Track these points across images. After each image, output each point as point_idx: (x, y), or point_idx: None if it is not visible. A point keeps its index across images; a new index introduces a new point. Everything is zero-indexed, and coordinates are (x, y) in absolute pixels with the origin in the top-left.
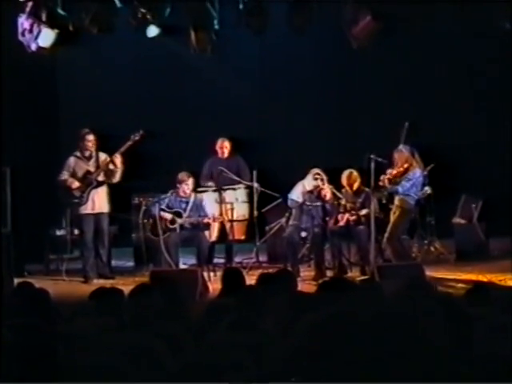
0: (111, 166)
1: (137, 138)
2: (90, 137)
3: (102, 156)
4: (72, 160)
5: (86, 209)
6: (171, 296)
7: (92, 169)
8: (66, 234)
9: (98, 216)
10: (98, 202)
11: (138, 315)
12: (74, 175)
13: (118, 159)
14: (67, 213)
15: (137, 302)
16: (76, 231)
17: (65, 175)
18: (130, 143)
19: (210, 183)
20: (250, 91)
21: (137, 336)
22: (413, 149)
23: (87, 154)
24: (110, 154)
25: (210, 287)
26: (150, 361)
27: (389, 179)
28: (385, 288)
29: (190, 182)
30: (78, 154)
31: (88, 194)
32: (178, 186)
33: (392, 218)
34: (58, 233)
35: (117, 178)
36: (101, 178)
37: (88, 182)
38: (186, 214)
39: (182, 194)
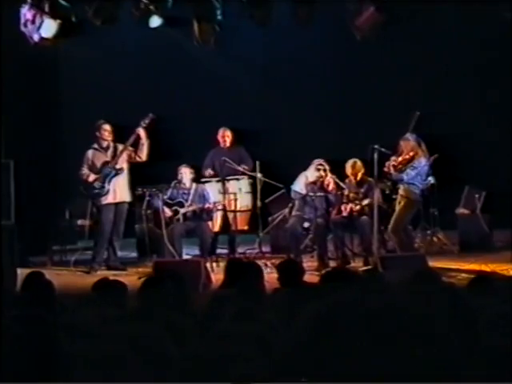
0: (131, 148)
1: (147, 121)
2: (107, 127)
3: (120, 146)
4: (90, 153)
5: (108, 199)
6: (174, 287)
7: (110, 159)
8: (69, 226)
9: (118, 206)
10: (120, 191)
11: (141, 306)
12: (92, 168)
13: (141, 132)
14: (89, 204)
15: (142, 293)
16: (79, 222)
17: (84, 169)
18: (141, 127)
19: (209, 171)
20: (253, 82)
21: (140, 327)
22: (419, 138)
23: (105, 144)
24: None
25: (213, 278)
26: (152, 352)
27: (394, 166)
28: (388, 278)
29: (187, 172)
30: (96, 145)
31: (109, 184)
32: (178, 177)
33: (397, 208)
34: (62, 223)
35: (145, 153)
36: (120, 165)
37: (107, 172)
38: (187, 203)
39: (181, 184)
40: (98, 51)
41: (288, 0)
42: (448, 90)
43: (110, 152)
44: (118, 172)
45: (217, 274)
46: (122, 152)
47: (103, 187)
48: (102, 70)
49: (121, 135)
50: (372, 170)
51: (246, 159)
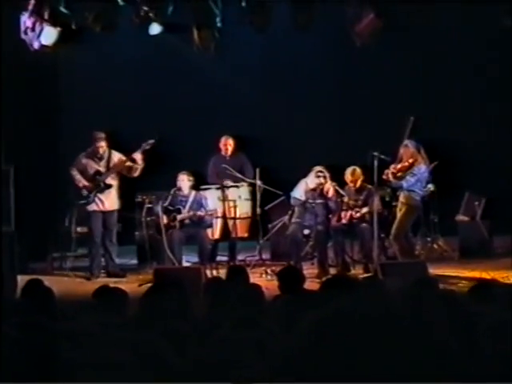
0: (129, 163)
1: (147, 147)
2: (102, 143)
3: (116, 156)
4: (83, 158)
5: (94, 207)
6: (175, 294)
7: (102, 169)
8: (71, 232)
9: (106, 213)
10: (106, 201)
11: (142, 313)
12: (83, 172)
13: (138, 157)
14: (74, 210)
15: (143, 300)
16: (79, 229)
17: (73, 170)
18: (140, 151)
19: (227, 182)
20: (252, 89)
21: (140, 334)
22: (419, 145)
23: (99, 154)
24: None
25: None
26: (153, 359)
27: (393, 173)
28: (388, 285)
29: (185, 179)
30: (91, 152)
31: (94, 195)
32: (177, 184)
33: (398, 215)
34: (62, 230)
35: (138, 172)
36: (111, 179)
37: (96, 183)
38: (185, 211)
39: (180, 192)
40: (97, 58)
41: (287, 6)
42: (448, 96)
43: (103, 162)
44: (105, 187)
45: None
46: (120, 165)
47: (89, 197)
48: (102, 77)
49: (120, 142)
50: (372, 177)
51: (246, 167)
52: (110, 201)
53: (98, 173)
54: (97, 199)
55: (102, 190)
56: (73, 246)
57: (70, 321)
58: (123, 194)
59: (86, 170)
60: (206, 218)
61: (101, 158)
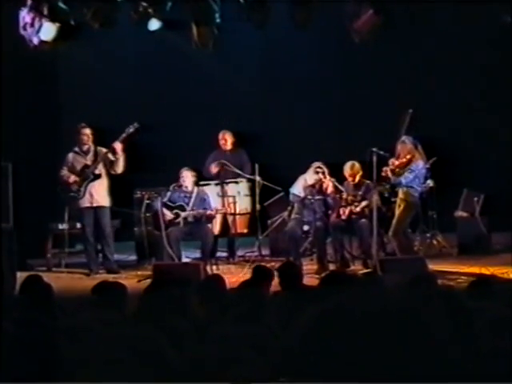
0: (111, 157)
1: (131, 130)
2: (87, 131)
3: (101, 150)
4: (71, 155)
5: (85, 202)
6: (173, 290)
7: (89, 162)
8: (67, 228)
9: (97, 210)
10: (97, 195)
11: (141, 309)
12: (72, 170)
13: (118, 146)
14: (66, 207)
15: (143, 297)
16: (78, 225)
17: (64, 171)
18: (124, 135)
19: (214, 166)
20: (251, 85)
21: (139, 330)
22: (416, 141)
23: (85, 148)
24: (109, 147)
25: None
26: (152, 355)
27: (392, 170)
28: (387, 281)
29: (189, 175)
30: (77, 149)
31: (85, 187)
32: (179, 180)
33: (397, 211)
34: (60, 227)
35: (120, 166)
36: (99, 171)
37: (85, 176)
38: (189, 207)
39: (183, 188)
40: (96, 54)
41: (286, 3)
42: (446, 93)
43: (90, 155)
44: (95, 177)
45: None
46: (104, 156)
47: (79, 190)
48: (101, 73)
49: (118, 138)
50: (371, 172)
51: (245, 163)
52: (99, 195)
53: (85, 166)
54: (87, 194)
55: (92, 180)
56: (67, 242)
57: (69, 316)
58: (121, 191)
59: (74, 167)
60: (214, 215)
61: (87, 152)
